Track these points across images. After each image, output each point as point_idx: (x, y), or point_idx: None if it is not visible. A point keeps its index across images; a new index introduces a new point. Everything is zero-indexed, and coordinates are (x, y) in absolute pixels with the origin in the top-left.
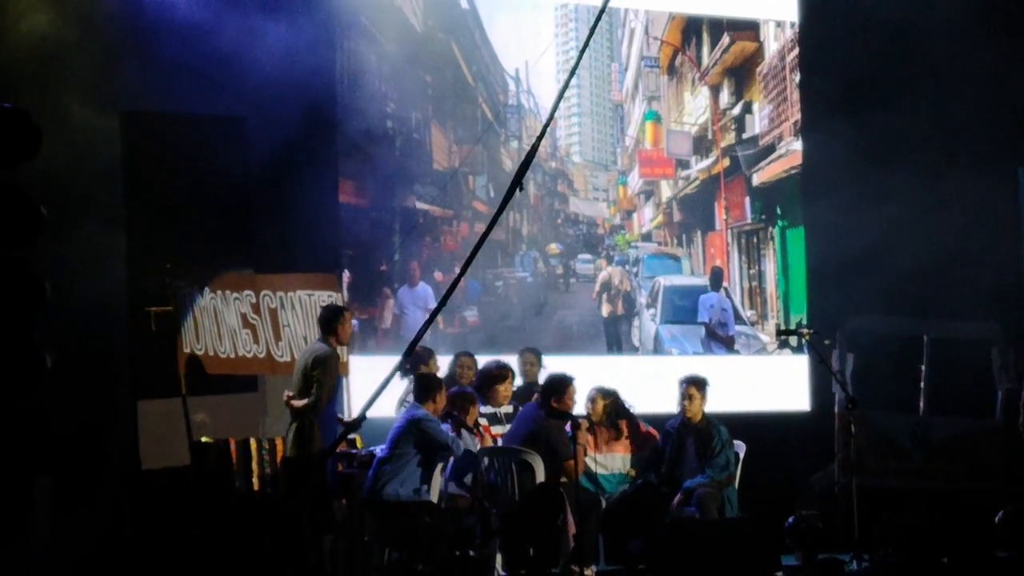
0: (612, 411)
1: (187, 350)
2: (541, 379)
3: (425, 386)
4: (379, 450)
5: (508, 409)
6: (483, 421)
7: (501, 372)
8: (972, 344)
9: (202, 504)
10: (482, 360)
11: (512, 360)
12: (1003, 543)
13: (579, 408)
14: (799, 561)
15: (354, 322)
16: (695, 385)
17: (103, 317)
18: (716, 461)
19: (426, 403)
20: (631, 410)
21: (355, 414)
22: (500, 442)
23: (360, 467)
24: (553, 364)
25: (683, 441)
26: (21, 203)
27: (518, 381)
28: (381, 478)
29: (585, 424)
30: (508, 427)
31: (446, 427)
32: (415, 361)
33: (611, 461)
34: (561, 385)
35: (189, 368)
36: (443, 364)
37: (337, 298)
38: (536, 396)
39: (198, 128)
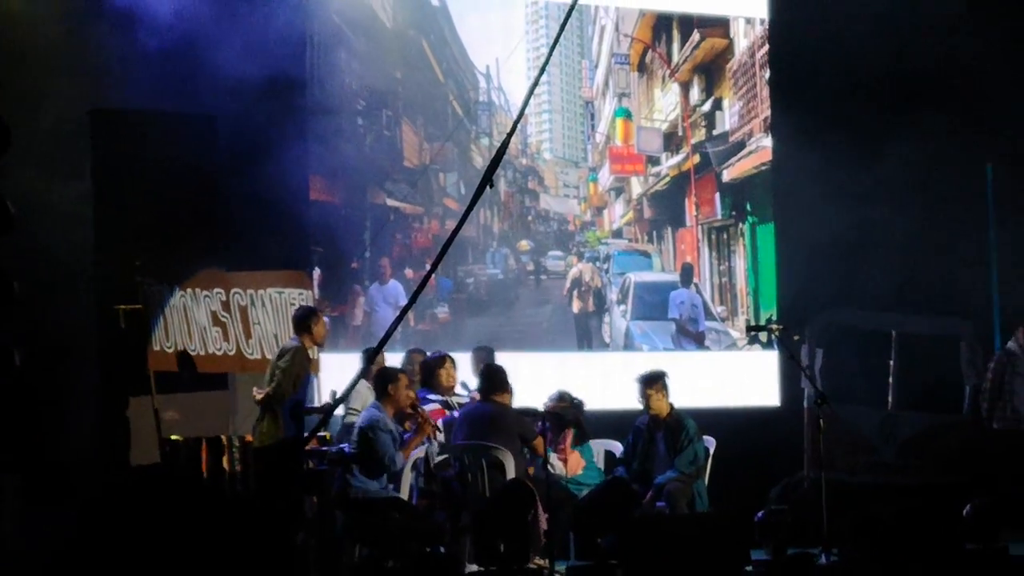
0: (566, 417)
1: (157, 348)
2: None
3: (379, 383)
4: (348, 447)
5: (462, 397)
6: (435, 406)
7: (439, 359)
8: (940, 340)
9: (173, 502)
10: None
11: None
12: (971, 536)
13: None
14: (769, 555)
15: (325, 319)
16: (648, 385)
17: (72, 315)
18: (684, 455)
19: (383, 399)
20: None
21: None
22: (441, 424)
23: (330, 464)
24: (523, 360)
25: (653, 436)
26: None
27: (475, 383)
28: (351, 475)
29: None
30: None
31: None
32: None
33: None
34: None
35: (175, 364)
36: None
37: (308, 295)
38: (475, 397)
39: (167, 125)
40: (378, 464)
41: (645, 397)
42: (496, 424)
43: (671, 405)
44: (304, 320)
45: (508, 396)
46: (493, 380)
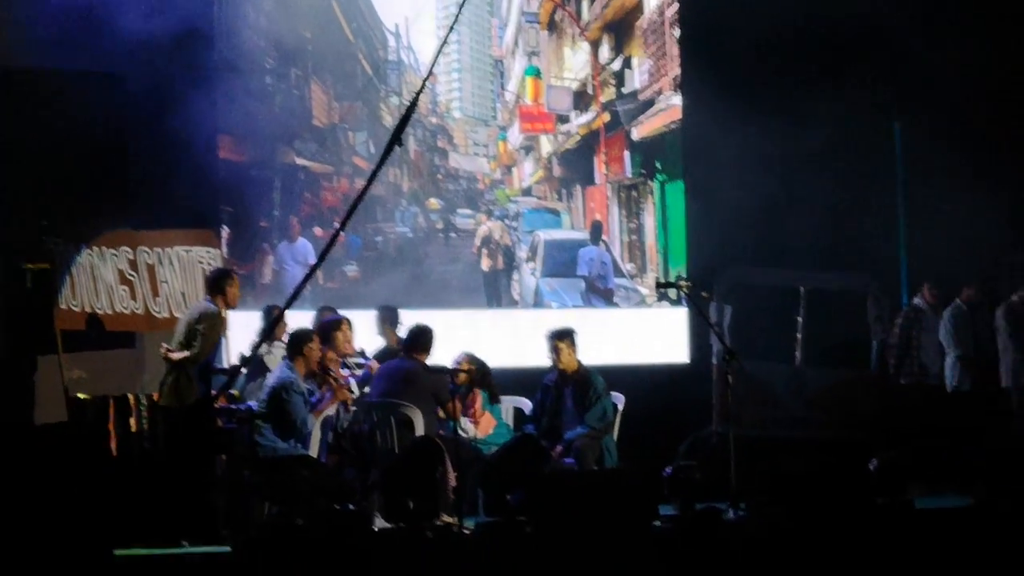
0: (475, 380)
1: (64, 307)
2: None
3: (292, 341)
4: (256, 406)
5: (360, 360)
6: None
7: (335, 322)
8: (848, 296)
9: (80, 461)
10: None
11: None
12: (878, 490)
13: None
14: (677, 511)
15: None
16: (558, 338)
17: None
18: (593, 411)
19: (295, 360)
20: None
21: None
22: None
23: (239, 422)
24: (433, 319)
25: (561, 392)
26: None
27: (380, 341)
28: (259, 433)
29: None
30: (359, 372)
31: (314, 395)
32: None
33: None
34: (331, 327)
35: (83, 323)
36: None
37: (216, 254)
38: (371, 367)
39: (74, 84)
40: (289, 426)
41: (555, 351)
42: (412, 381)
43: (579, 362)
44: (219, 282)
45: (427, 358)
46: (418, 340)
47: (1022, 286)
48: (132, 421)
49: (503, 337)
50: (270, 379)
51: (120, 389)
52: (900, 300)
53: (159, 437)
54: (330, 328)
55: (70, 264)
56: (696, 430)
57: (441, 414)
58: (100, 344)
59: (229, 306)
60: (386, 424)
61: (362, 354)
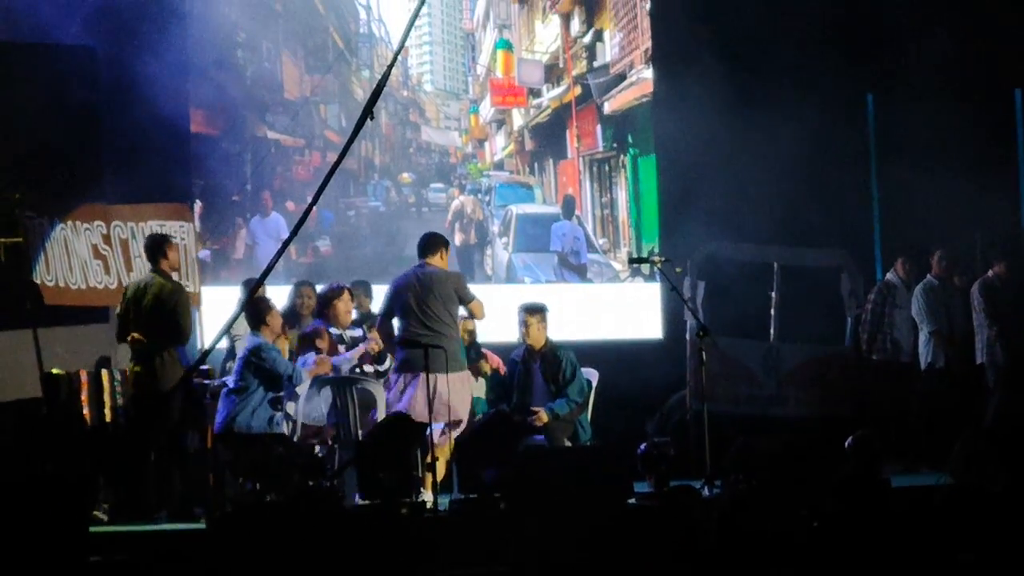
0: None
1: (37, 280)
2: (374, 309)
3: (253, 312)
4: (230, 381)
5: (355, 332)
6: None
7: (337, 291)
8: (822, 271)
9: (53, 437)
10: None
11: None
12: (852, 468)
13: None
14: (652, 488)
15: (206, 252)
16: (530, 312)
17: None
18: (574, 385)
19: (261, 328)
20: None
21: (207, 344)
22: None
23: (212, 398)
24: None
25: (529, 368)
26: None
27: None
28: (232, 409)
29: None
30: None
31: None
32: (326, 300)
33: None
34: (332, 296)
35: (57, 298)
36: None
37: (189, 228)
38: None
39: (46, 57)
40: (277, 382)
41: (525, 325)
42: (433, 286)
43: (547, 338)
44: (160, 247)
45: (441, 257)
46: (429, 245)
47: (997, 261)
48: (106, 397)
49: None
50: (240, 351)
51: (93, 364)
52: (875, 275)
53: (131, 413)
54: (331, 297)
55: (43, 239)
56: (671, 407)
57: (463, 312)
58: (73, 319)
59: (174, 269)
60: (348, 397)
61: (358, 322)
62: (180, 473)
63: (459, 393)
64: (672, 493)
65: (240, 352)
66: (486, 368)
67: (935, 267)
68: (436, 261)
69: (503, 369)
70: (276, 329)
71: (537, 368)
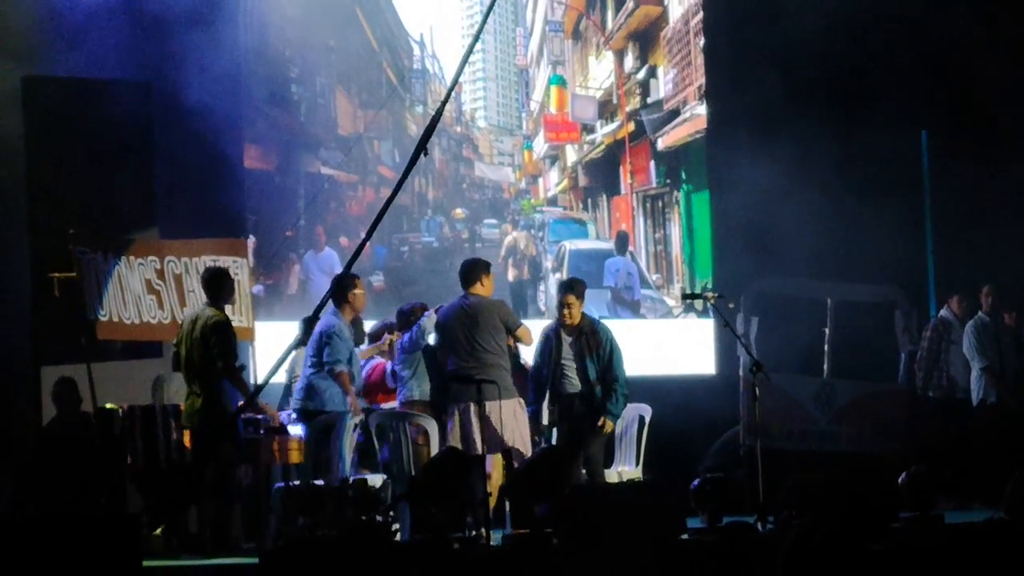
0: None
1: (91, 316)
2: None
3: (337, 289)
4: (289, 414)
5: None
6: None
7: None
8: (875, 307)
9: (107, 471)
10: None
11: None
12: (906, 504)
13: None
14: (704, 523)
15: (259, 287)
16: (569, 289)
17: (5, 283)
18: (614, 371)
19: (341, 307)
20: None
21: (260, 380)
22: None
23: (267, 433)
24: None
25: (561, 341)
26: None
27: None
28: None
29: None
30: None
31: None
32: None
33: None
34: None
35: (110, 333)
36: None
37: (243, 263)
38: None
39: (102, 93)
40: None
41: (567, 307)
42: (482, 318)
43: (584, 313)
44: (221, 281)
45: (482, 283)
46: (470, 274)
47: None
48: (159, 432)
49: (529, 348)
50: (319, 326)
51: (146, 399)
52: (929, 312)
53: (184, 448)
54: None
55: (97, 274)
56: (725, 442)
57: (511, 342)
58: (127, 354)
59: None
60: (401, 434)
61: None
62: (232, 508)
63: (511, 421)
64: (726, 529)
65: (319, 326)
66: None
67: (984, 303)
68: (479, 289)
69: None
70: (358, 308)
71: (571, 342)
